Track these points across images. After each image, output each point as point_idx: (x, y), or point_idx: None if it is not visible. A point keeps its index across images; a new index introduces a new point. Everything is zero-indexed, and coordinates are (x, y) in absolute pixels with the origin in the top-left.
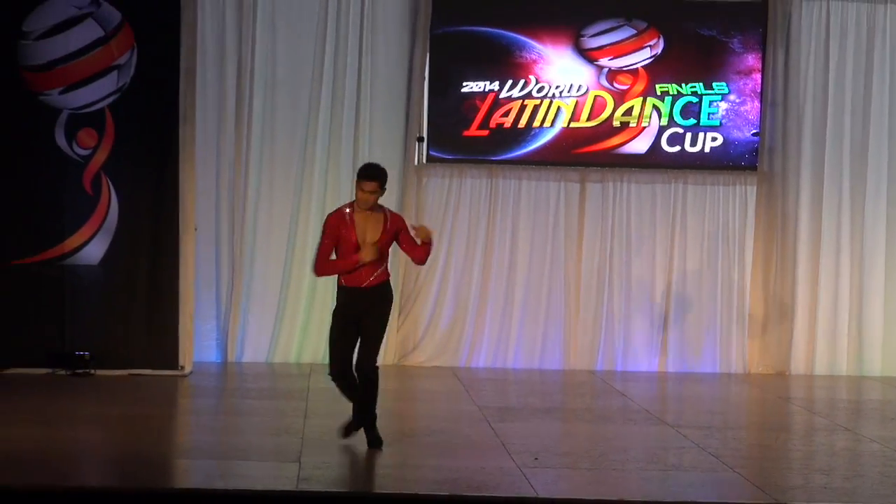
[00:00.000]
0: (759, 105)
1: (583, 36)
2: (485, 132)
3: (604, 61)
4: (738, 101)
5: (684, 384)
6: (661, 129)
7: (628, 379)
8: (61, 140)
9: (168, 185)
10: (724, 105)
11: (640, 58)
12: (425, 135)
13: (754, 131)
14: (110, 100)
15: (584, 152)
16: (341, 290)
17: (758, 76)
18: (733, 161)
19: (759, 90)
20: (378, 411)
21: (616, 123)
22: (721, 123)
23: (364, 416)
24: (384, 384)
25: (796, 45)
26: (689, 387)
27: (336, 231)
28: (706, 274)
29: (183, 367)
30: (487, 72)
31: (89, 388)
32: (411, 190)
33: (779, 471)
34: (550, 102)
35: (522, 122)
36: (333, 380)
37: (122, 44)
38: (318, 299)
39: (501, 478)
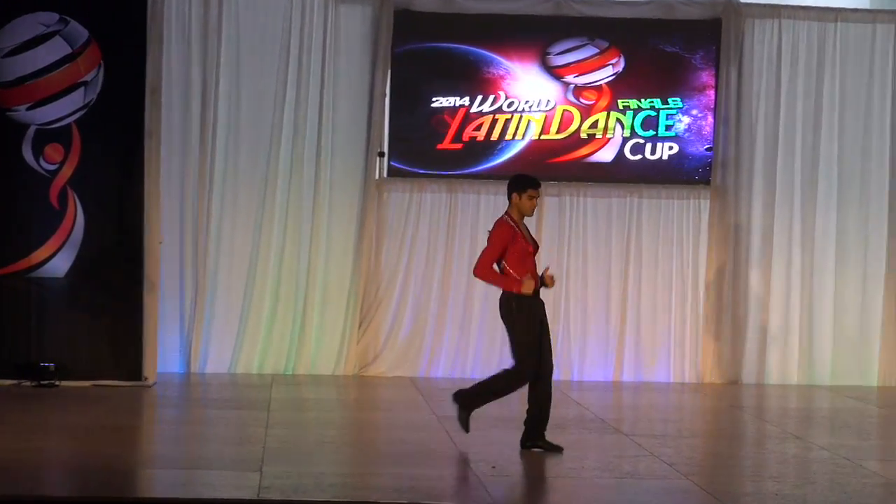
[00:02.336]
0: (713, 121)
1: (549, 54)
2: (458, 145)
3: (570, 78)
4: (695, 115)
5: (639, 394)
6: (625, 140)
7: (584, 388)
8: (28, 155)
9: (133, 198)
10: (680, 118)
11: (604, 75)
12: (386, 150)
13: (708, 146)
14: (77, 115)
15: (556, 162)
16: (526, 297)
17: (712, 93)
18: (688, 175)
19: (713, 106)
20: (339, 420)
21: (583, 135)
22: (677, 135)
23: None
24: (344, 394)
25: (749, 62)
26: (644, 396)
27: (507, 242)
28: (660, 286)
29: (147, 378)
30: (457, 87)
31: (54, 399)
32: (372, 204)
33: (731, 478)
34: (521, 117)
35: (495, 135)
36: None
37: (89, 61)
38: (280, 312)
39: (460, 486)
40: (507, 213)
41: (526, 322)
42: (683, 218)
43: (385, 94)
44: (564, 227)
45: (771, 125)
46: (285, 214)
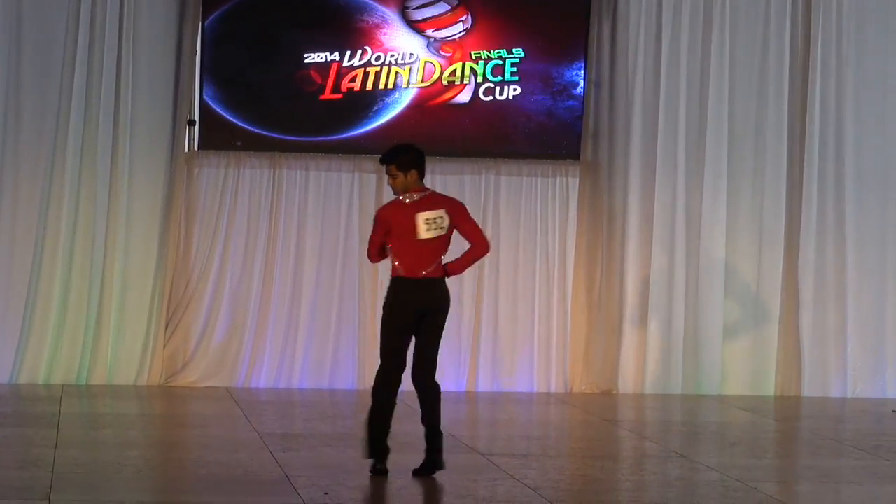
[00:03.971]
0: (583, 83)
1: (407, 8)
2: (338, 95)
3: (429, 32)
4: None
5: (497, 406)
6: (478, 85)
7: None
8: None
9: None
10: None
11: (457, 30)
12: (197, 118)
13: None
14: None
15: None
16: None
17: (580, 55)
18: (552, 149)
19: (581, 66)
20: (142, 438)
21: (444, 83)
22: (519, 79)
23: (435, 439)
24: (148, 407)
25: (624, 17)
26: (503, 409)
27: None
28: (521, 279)
29: None
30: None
31: None
32: (180, 181)
33: None
34: (389, 69)
35: (369, 87)
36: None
37: None
38: (71, 312)
39: None
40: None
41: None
42: (548, 198)
43: (196, 51)
44: None
45: (650, 90)
46: (76, 196)
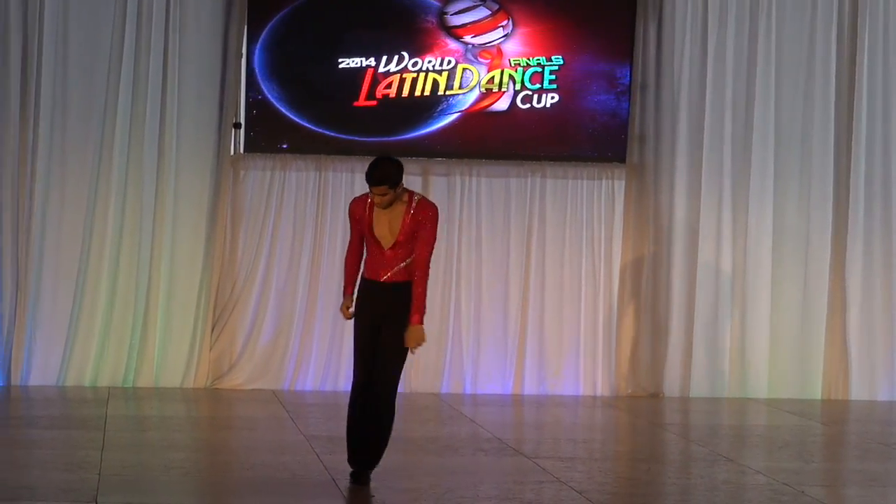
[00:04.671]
0: (627, 88)
1: (446, 13)
2: (373, 102)
3: (468, 38)
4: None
5: (543, 409)
6: (516, 93)
7: (479, 403)
8: None
9: None
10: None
11: (496, 36)
12: (243, 120)
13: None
14: None
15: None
16: (361, 283)
17: (626, 58)
18: (598, 152)
19: (628, 70)
20: (188, 441)
21: (482, 90)
22: (558, 87)
23: (364, 453)
24: (194, 410)
25: (670, 19)
26: (549, 412)
27: (357, 218)
28: (568, 283)
29: None
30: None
31: None
32: (226, 184)
33: None
34: (426, 75)
35: (405, 93)
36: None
37: None
38: (118, 314)
39: None
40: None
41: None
42: (594, 202)
43: (241, 54)
44: (454, 213)
45: (696, 93)
46: (123, 198)
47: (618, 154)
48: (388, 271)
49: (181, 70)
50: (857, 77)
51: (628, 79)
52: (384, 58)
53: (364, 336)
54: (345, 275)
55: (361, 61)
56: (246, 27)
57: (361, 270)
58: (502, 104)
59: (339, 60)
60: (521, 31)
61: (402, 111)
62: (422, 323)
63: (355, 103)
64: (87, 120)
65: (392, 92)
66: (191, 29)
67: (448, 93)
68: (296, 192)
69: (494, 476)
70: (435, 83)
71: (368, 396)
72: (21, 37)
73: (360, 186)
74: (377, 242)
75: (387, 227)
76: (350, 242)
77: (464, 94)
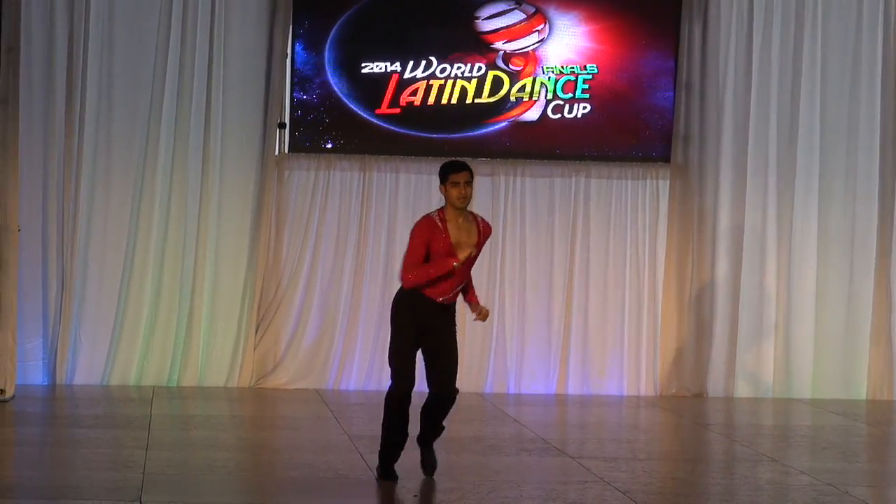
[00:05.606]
0: (671, 88)
1: (477, 18)
2: (396, 110)
3: (498, 44)
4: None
5: (587, 409)
6: (547, 102)
7: (522, 403)
8: None
9: None
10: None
11: (531, 41)
12: (287, 120)
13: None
14: None
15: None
16: (413, 298)
17: (670, 58)
18: (643, 151)
19: (671, 71)
20: (232, 440)
21: (513, 99)
22: (590, 97)
23: (432, 431)
24: (238, 409)
25: (715, 19)
26: (593, 412)
27: (427, 239)
28: (612, 282)
29: (3, 392)
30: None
31: None
32: (270, 184)
33: None
34: (455, 82)
35: (431, 100)
36: (395, 401)
37: None
38: (162, 314)
39: None
40: (439, 209)
41: (398, 326)
42: (639, 201)
43: (286, 54)
44: (498, 213)
45: (741, 93)
46: (167, 198)
47: (662, 154)
48: (450, 292)
49: (226, 70)
50: None
51: (673, 78)
52: (410, 63)
53: (409, 345)
54: (427, 269)
55: (386, 66)
56: (291, 27)
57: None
58: (533, 114)
59: (363, 65)
60: (560, 34)
61: (426, 119)
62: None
63: (378, 111)
64: (132, 120)
65: (417, 100)
66: (236, 29)
67: (477, 101)
68: (340, 192)
69: (538, 476)
70: (463, 90)
71: (436, 399)
72: (66, 36)
73: (404, 186)
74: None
75: (463, 241)
76: (413, 262)
77: (493, 102)
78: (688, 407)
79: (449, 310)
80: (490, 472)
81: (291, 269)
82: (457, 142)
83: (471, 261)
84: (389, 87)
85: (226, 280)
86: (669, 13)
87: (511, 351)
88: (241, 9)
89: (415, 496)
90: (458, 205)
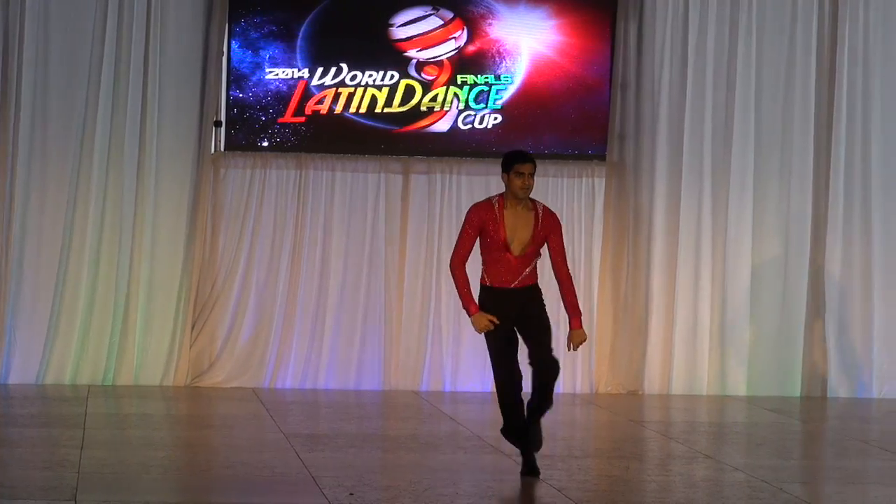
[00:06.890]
0: (607, 85)
1: (391, 26)
2: (301, 118)
3: (412, 52)
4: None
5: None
6: (459, 112)
7: (458, 401)
8: None
9: None
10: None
11: (446, 49)
12: (223, 118)
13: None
14: None
15: (397, 133)
16: (486, 292)
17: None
18: (578, 149)
19: (608, 69)
20: (168, 439)
21: (423, 108)
22: (503, 108)
23: (540, 404)
24: (174, 408)
25: (651, 17)
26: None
27: (481, 224)
28: (547, 279)
29: None
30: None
31: None
32: (206, 182)
33: None
34: (364, 90)
35: (338, 109)
36: (501, 395)
37: None
38: (97, 312)
39: None
40: (499, 195)
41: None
42: (574, 199)
43: (222, 52)
44: (434, 211)
45: (677, 91)
46: (103, 196)
47: (598, 151)
48: (517, 277)
49: (162, 68)
50: (836, 75)
51: (609, 75)
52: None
53: (502, 340)
54: (463, 287)
55: (293, 73)
56: (227, 25)
57: (481, 276)
58: (443, 125)
59: (269, 71)
60: (479, 38)
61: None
62: (581, 326)
63: (280, 119)
64: (67, 118)
65: (324, 108)
66: (171, 26)
67: (386, 110)
68: (276, 190)
69: (474, 474)
70: (373, 99)
71: (541, 369)
72: (1, 34)
73: (341, 184)
74: (506, 248)
75: (517, 233)
76: (461, 251)
77: (403, 111)
78: (623, 404)
79: (526, 292)
80: (426, 469)
81: (227, 267)
82: (398, 136)
83: (530, 253)
84: (295, 95)
85: (161, 278)
86: (606, 11)
87: (447, 348)
88: (177, 6)
89: (351, 494)
90: (521, 195)
